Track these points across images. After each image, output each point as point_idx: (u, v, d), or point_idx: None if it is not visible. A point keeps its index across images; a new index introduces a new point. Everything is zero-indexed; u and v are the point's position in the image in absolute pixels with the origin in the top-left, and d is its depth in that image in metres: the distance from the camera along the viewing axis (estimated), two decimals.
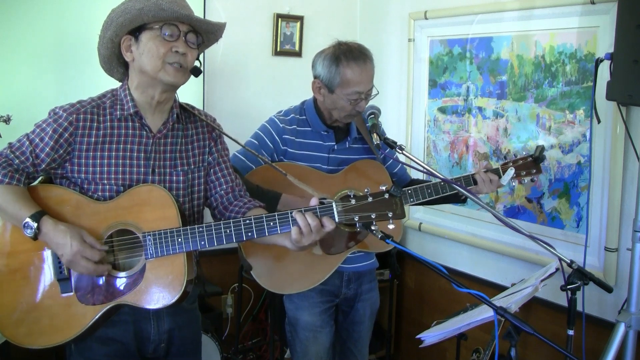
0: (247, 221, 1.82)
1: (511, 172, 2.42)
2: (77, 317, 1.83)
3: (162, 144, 1.93)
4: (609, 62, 2.31)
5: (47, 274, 1.85)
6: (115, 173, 1.86)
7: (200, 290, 3.32)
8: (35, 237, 1.77)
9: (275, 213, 1.83)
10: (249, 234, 1.82)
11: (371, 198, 1.78)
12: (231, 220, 1.83)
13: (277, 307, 2.66)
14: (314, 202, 1.84)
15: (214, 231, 1.82)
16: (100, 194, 1.86)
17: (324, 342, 2.51)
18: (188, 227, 1.83)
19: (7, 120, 2.76)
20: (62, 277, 1.84)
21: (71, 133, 1.82)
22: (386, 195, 1.78)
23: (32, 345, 1.84)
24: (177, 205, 1.86)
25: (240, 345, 3.73)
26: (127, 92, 1.89)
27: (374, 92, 2.39)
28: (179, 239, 1.82)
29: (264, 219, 1.82)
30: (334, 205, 1.80)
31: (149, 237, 1.82)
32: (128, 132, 1.88)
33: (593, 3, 2.64)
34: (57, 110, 1.85)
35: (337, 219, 1.82)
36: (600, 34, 2.65)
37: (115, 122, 1.87)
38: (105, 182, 1.86)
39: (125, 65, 1.91)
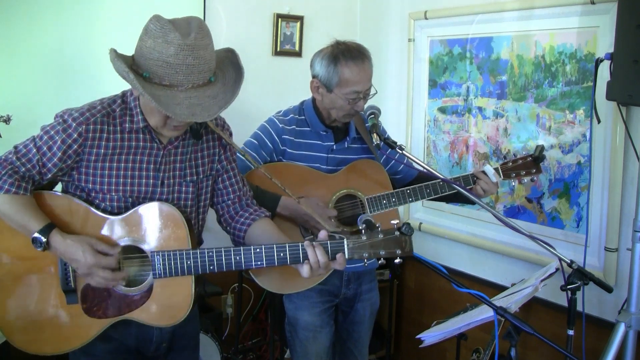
0: (258, 250, 1.81)
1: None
2: (83, 328, 1.83)
3: (172, 154, 1.90)
4: (609, 62, 2.31)
5: (53, 284, 1.83)
6: (124, 185, 1.83)
7: (200, 290, 3.34)
8: (44, 250, 1.76)
9: (286, 244, 1.82)
10: (259, 262, 1.82)
11: (382, 235, 1.79)
12: (241, 248, 1.82)
13: (277, 307, 2.66)
14: (322, 235, 1.83)
15: (223, 257, 1.81)
16: (107, 203, 1.83)
17: (324, 342, 2.51)
18: (198, 250, 1.82)
19: (7, 120, 2.75)
20: (68, 289, 1.82)
21: (80, 144, 1.77)
22: (397, 233, 1.79)
23: (38, 352, 1.85)
24: (188, 226, 1.84)
25: (240, 345, 3.73)
26: (137, 102, 1.83)
27: (372, 91, 2.39)
28: (188, 262, 1.80)
29: (275, 249, 1.81)
30: (345, 243, 1.80)
31: (158, 256, 1.80)
32: (139, 144, 1.84)
33: (593, 3, 2.63)
34: (67, 117, 1.77)
35: (347, 255, 1.81)
36: (600, 34, 2.65)
37: (125, 133, 1.82)
38: (114, 193, 1.83)
39: None
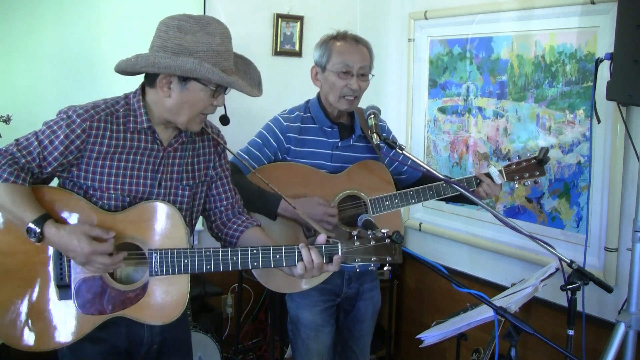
0: (254, 251, 1.85)
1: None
2: (75, 324, 1.82)
3: (171, 157, 1.92)
4: (609, 62, 2.31)
5: (46, 279, 1.82)
6: (122, 184, 1.84)
7: (200, 290, 3.34)
8: (39, 241, 1.75)
9: (282, 246, 1.86)
10: (255, 263, 1.85)
11: (374, 242, 1.88)
12: (239, 249, 1.85)
13: (277, 307, 2.66)
14: (321, 239, 1.88)
15: (220, 257, 1.83)
16: (105, 201, 1.84)
17: (325, 341, 2.52)
18: (195, 249, 1.83)
19: (7, 120, 2.75)
20: (62, 284, 1.81)
21: (83, 140, 1.79)
22: (387, 241, 1.88)
23: (27, 348, 1.82)
24: (186, 226, 1.86)
25: (240, 345, 3.73)
26: (141, 104, 1.85)
27: (369, 77, 2.41)
28: (185, 261, 1.82)
29: (271, 251, 1.85)
30: (339, 247, 1.87)
31: (155, 254, 1.82)
32: (140, 144, 1.86)
33: (593, 3, 2.64)
34: (71, 114, 1.79)
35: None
36: (600, 34, 2.65)
37: (128, 133, 1.85)
38: (112, 191, 1.84)
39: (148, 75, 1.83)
